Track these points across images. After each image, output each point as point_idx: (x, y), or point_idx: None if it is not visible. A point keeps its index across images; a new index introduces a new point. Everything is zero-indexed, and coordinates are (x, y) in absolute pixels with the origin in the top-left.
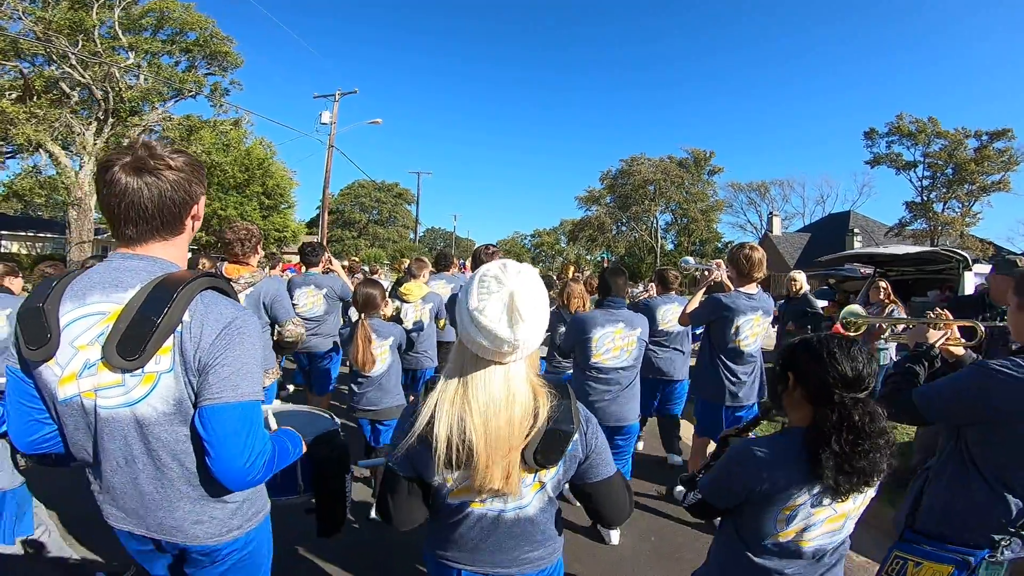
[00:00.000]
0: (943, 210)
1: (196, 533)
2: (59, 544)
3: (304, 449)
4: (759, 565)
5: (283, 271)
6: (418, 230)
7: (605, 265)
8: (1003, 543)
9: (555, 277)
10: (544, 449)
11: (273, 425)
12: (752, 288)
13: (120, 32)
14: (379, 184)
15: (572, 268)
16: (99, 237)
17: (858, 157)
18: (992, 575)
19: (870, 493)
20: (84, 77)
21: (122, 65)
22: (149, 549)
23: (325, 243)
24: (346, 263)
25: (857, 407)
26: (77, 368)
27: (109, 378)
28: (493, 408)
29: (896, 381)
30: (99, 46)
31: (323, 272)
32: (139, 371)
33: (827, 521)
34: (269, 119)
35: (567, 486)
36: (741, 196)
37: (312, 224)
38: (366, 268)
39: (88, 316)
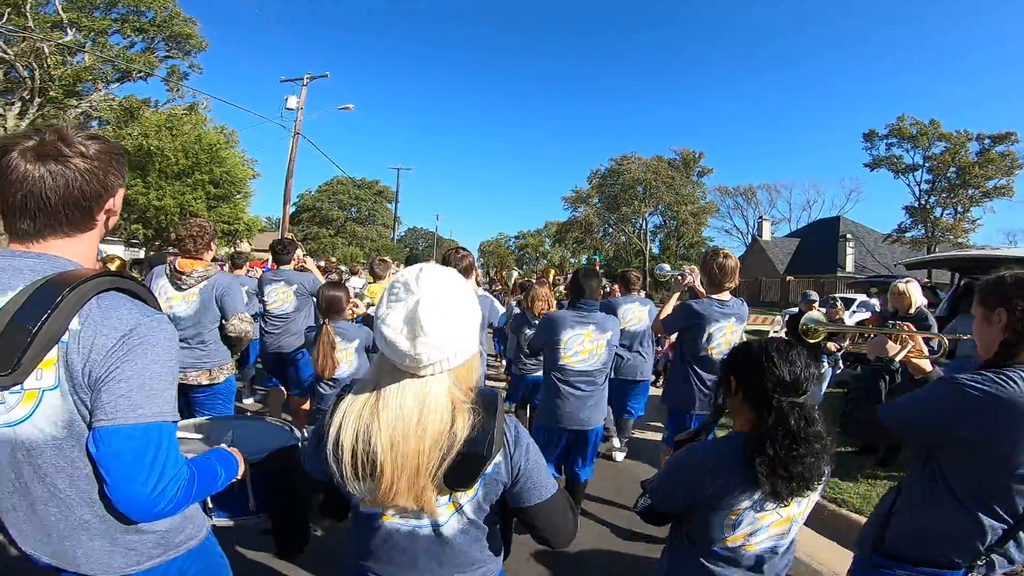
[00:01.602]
0: (942, 215)
1: (111, 564)
2: None
3: (241, 468)
4: (709, 570)
5: (249, 270)
6: (398, 229)
7: (597, 267)
8: (979, 563)
9: (535, 281)
10: (458, 471)
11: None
12: (725, 295)
13: (60, 8)
14: (358, 181)
15: (554, 271)
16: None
17: (847, 162)
18: None
19: (813, 497)
20: (7, 54)
21: (57, 42)
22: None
23: (291, 238)
24: (322, 263)
25: (794, 411)
26: None
27: None
28: (402, 424)
29: (857, 397)
30: (31, 21)
31: (294, 269)
32: (17, 388)
33: (773, 526)
34: (227, 102)
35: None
36: (728, 200)
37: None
38: (343, 268)
39: None
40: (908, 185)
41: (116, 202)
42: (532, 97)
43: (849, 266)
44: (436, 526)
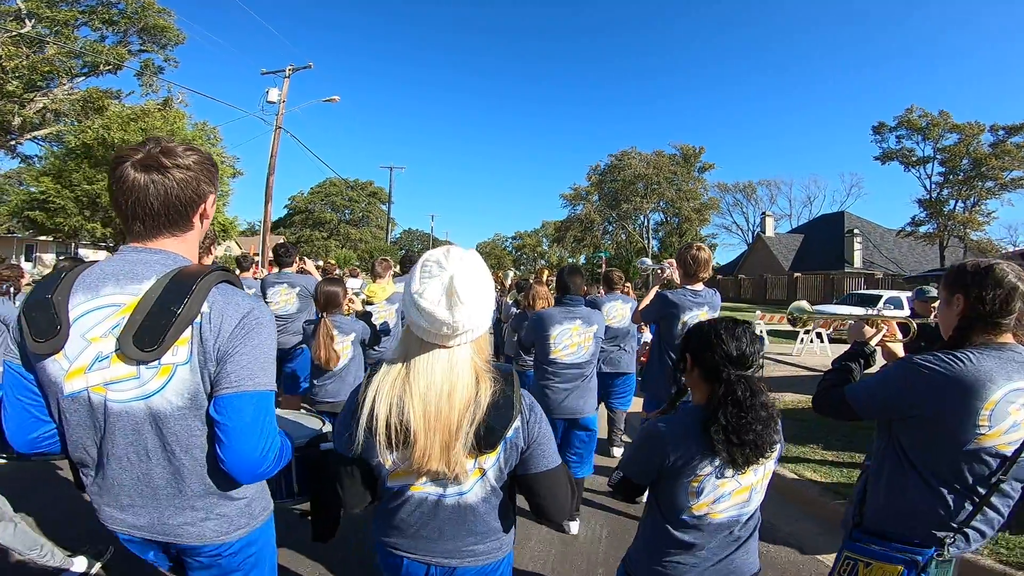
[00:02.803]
0: (955, 208)
1: (203, 532)
2: (31, 534)
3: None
4: (678, 539)
5: (256, 272)
6: (392, 230)
7: (603, 266)
8: (948, 540)
9: (531, 281)
10: (484, 433)
11: None
12: (698, 286)
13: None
14: (351, 182)
15: (547, 271)
16: None
17: (846, 156)
18: (942, 573)
19: (769, 466)
20: None
21: (13, 33)
22: (150, 551)
23: (266, 239)
24: (320, 263)
25: (740, 383)
26: (87, 361)
27: (123, 371)
28: (433, 391)
29: (831, 378)
30: None
31: (296, 272)
32: (155, 363)
33: (733, 494)
34: (203, 94)
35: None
36: (727, 197)
37: (278, 225)
38: (340, 272)
39: (102, 308)
40: (919, 178)
41: (208, 207)
42: (528, 97)
43: (857, 261)
44: (460, 494)
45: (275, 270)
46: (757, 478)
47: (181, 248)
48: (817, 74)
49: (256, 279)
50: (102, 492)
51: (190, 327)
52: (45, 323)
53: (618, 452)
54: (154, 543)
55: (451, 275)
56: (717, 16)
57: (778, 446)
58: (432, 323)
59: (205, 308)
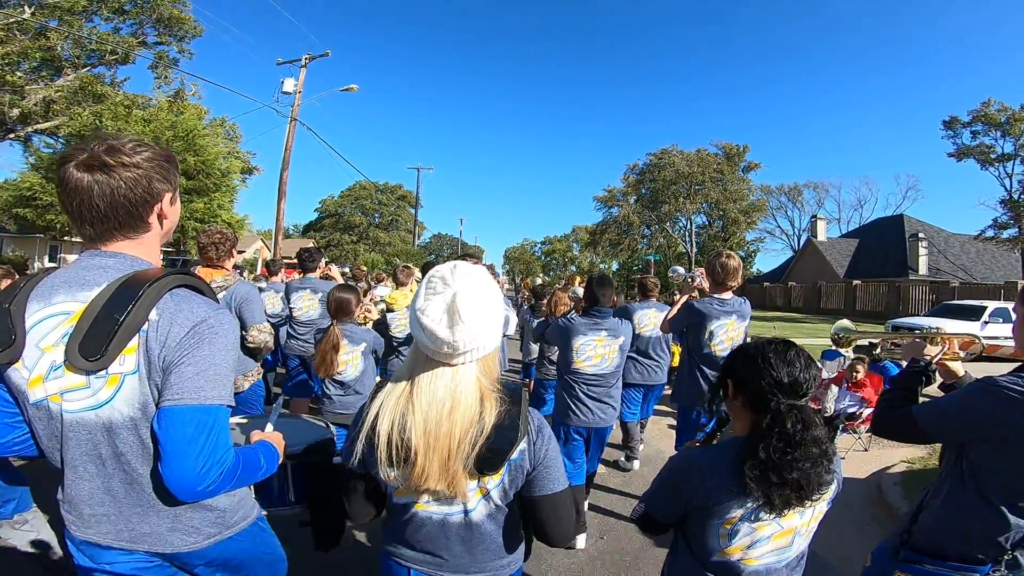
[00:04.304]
0: None
1: (173, 541)
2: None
3: (280, 459)
4: None
5: (286, 276)
6: (421, 234)
7: (651, 270)
8: (1006, 558)
9: (558, 287)
10: (487, 456)
11: (268, 429)
12: (727, 294)
13: None
14: (381, 186)
15: (579, 279)
16: None
17: (902, 157)
18: None
19: (821, 507)
20: None
21: (16, 19)
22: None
23: (279, 238)
24: (347, 269)
25: (791, 414)
26: (44, 370)
27: (74, 380)
28: (435, 409)
29: (891, 399)
30: None
31: (320, 278)
32: (103, 372)
33: (773, 538)
34: (217, 84)
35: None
36: (771, 200)
37: (308, 229)
38: (371, 277)
39: (53, 316)
40: (997, 177)
41: (164, 206)
42: (558, 100)
43: (922, 268)
44: (466, 512)
45: (291, 275)
46: (803, 521)
47: (139, 250)
48: (867, 73)
49: (284, 283)
50: (65, 500)
51: (137, 335)
52: (2, 332)
53: (636, 465)
54: (120, 549)
55: (454, 292)
56: (759, 14)
57: (831, 487)
58: (433, 341)
59: (154, 315)
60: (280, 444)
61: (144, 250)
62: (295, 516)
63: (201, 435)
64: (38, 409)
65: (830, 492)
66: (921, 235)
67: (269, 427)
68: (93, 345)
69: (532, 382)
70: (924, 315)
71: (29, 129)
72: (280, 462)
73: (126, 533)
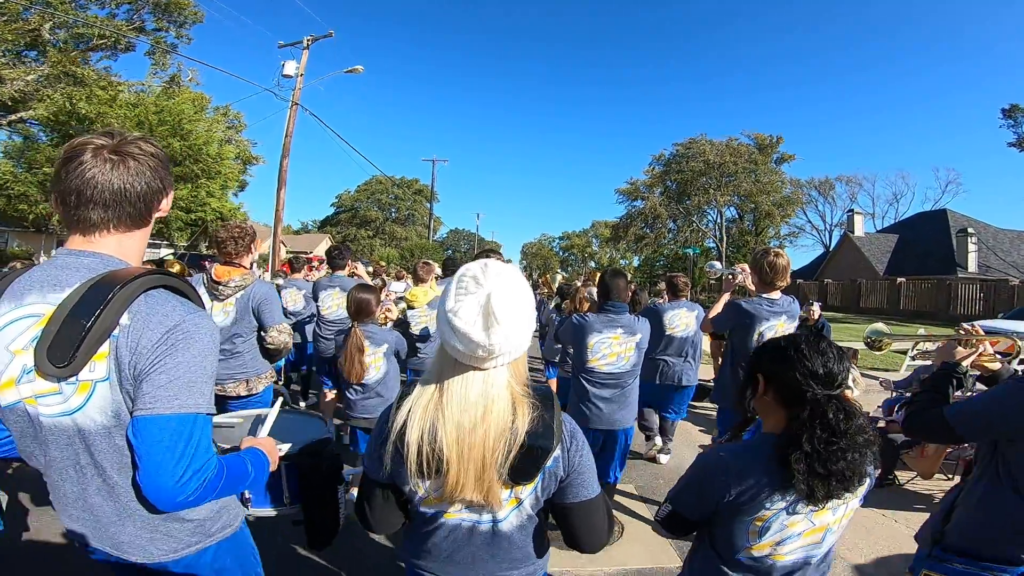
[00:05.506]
0: None
1: (151, 550)
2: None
3: (274, 461)
4: None
5: (308, 273)
6: (438, 229)
7: (691, 264)
8: None
9: (579, 284)
10: (520, 464)
11: (263, 434)
12: (775, 294)
13: None
14: (397, 180)
15: (597, 275)
16: None
17: (940, 150)
18: None
19: (853, 504)
20: None
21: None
22: (104, 561)
23: (278, 230)
24: (369, 265)
25: (831, 404)
26: (16, 374)
27: (45, 386)
28: (468, 417)
29: (923, 399)
30: None
31: (348, 275)
32: (73, 379)
33: (804, 534)
34: (214, 67)
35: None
36: (801, 194)
37: (325, 224)
38: (390, 272)
39: (24, 318)
40: None
41: (165, 204)
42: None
43: (971, 265)
44: (495, 522)
45: (311, 272)
46: (835, 517)
47: (127, 244)
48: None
49: (308, 280)
50: (56, 499)
51: (108, 340)
52: None
53: (664, 459)
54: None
55: (488, 292)
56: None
57: (868, 480)
58: (467, 345)
59: (125, 319)
60: (272, 451)
61: (131, 244)
62: (289, 516)
63: (179, 444)
64: (12, 412)
65: (864, 487)
66: (971, 230)
67: (264, 431)
68: (61, 351)
69: (553, 381)
70: (1000, 318)
71: (14, 117)
72: (274, 464)
73: (108, 540)
